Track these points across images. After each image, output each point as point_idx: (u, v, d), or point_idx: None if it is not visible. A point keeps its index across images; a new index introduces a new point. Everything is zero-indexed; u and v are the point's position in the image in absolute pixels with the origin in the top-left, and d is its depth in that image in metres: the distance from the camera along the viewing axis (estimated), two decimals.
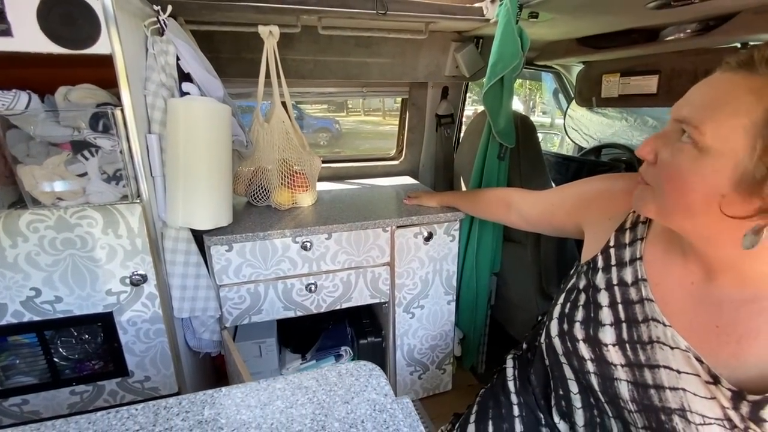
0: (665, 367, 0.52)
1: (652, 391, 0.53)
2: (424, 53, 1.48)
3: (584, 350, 0.60)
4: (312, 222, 1.16)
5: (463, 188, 1.56)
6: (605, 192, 0.68)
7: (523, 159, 1.30)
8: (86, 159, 0.85)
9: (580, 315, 0.62)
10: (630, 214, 0.62)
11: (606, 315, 0.59)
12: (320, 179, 1.50)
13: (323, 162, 1.54)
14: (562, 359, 0.65)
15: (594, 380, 0.60)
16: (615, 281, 0.59)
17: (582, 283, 0.64)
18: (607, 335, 0.57)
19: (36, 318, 0.90)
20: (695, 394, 0.49)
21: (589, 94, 1.75)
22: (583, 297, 0.63)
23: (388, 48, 1.43)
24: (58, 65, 0.82)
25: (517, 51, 1.08)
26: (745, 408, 0.44)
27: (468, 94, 1.86)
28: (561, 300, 0.68)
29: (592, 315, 0.60)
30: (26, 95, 0.79)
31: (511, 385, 0.76)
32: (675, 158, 0.46)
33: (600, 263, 0.62)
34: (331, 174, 1.75)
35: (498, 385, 0.79)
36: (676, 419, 0.50)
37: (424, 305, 1.34)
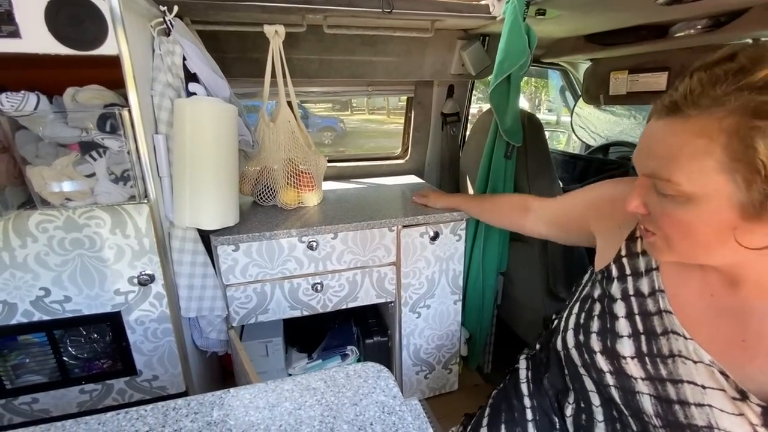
0: (689, 382, 0.50)
1: (677, 407, 0.51)
2: (430, 51, 1.47)
3: (602, 362, 0.58)
4: (318, 222, 1.16)
5: (469, 188, 1.55)
6: (612, 198, 0.66)
7: (531, 158, 1.29)
8: (94, 160, 0.85)
9: (595, 325, 0.60)
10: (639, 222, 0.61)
11: (623, 326, 0.57)
12: (325, 179, 1.50)
13: (328, 161, 1.54)
14: (581, 371, 0.63)
15: (615, 393, 0.58)
16: (631, 291, 0.57)
17: (597, 292, 0.62)
18: (626, 347, 0.55)
19: (45, 317, 0.91)
20: (722, 410, 0.47)
21: (596, 92, 1.73)
22: (598, 307, 0.61)
23: (394, 46, 1.42)
24: (66, 66, 0.83)
25: (524, 48, 1.07)
26: None
27: (473, 92, 1.85)
28: (576, 309, 0.65)
29: (608, 326, 0.58)
30: (35, 96, 0.80)
31: (524, 387, 0.75)
32: (667, 208, 0.45)
33: (614, 272, 0.60)
34: (337, 173, 1.75)
35: (510, 386, 0.78)
36: None
37: (431, 305, 1.34)
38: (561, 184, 1.43)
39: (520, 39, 1.06)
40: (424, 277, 1.29)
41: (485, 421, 0.76)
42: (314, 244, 1.14)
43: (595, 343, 0.59)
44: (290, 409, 0.51)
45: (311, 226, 1.12)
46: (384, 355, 1.43)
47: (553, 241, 0.88)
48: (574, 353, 0.63)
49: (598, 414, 0.62)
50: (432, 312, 1.35)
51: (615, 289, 0.59)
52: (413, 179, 1.75)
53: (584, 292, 0.66)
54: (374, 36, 1.36)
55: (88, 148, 0.85)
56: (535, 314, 1.39)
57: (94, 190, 0.87)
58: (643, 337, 0.55)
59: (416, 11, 1.12)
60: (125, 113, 0.82)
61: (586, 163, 1.81)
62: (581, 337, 0.61)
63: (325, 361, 1.40)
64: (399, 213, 1.24)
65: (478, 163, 1.34)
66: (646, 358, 0.54)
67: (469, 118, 1.90)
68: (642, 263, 0.58)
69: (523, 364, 0.79)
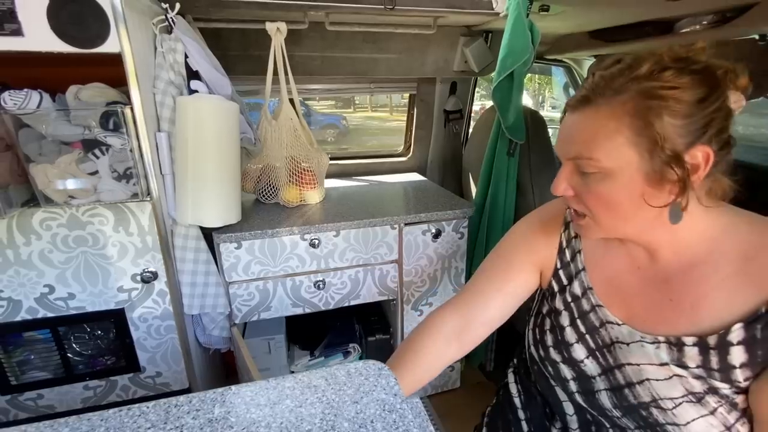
0: (627, 363, 0.55)
1: (627, 391, 0.56)
2: (433, 48, 1.46)
3: (565, 371, 0.62)
4: (320, 219, 1.16)
5: (472, 186, 1.54)
6: (541, 221, 0.70)
7: (534, 155, 1.28)
8: (97, 157, 0.85)
9: (549, 339, 0.65)
10: (562, 234, 0.66)
11: (570, 334, 0.62)
12: (328, 176, 1.50)
13: (331, 159, 1.54)
14: (552, 383, 0.66)
15: (580, 399, 0.62)
16: (570, 299, 0.63)
17: (545, 309, 0.67)
18: (578, 351, 0.61)
19: (50, 314, 0.91)
20: (657, 380, 0.52)
21: None
22: (548, 322, 0.66)
23: (396, 43, 1.42)
24: (69, 64, 0.83)
25: (528, 45, 1.06)
26: (713, 359, 0.48)
27: (476, 90, 1.84)
28: (531, 324, 0.70)
29: (559, 338, 0.63)
30: (38, 94, 0.80)
31: (516, 401, 0.76)
32: (591, 186, 0.51)
33: (555, 287, 0.65)
34: (339, 171, 1.75)
35: (504, 402, 0.78)
36: (654, 411, 0.53)
37: (433, 302, 1.34)
38: None
39: (523, 35, 1.05)
40: (426, 275, 1.29)
41: None
42: (316, 241, 1.14)
43: (555, 355, 0.63)
44: (291, 407, 0.51)
45: (313, 224, 1.12)
46: (386, 352, 1.43)
47: (490, 328, 0.69)
48: (542, 368, 0.67)
49: (573, 423, 0.66)
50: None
51: (558, 302, 0.65)
52: (415, 177, 1.75)
53: (535, 309, 0.70)
54: (376, 33, 1.35)
55: (90, 146, 0.85)
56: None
57: (97, 187, 0.87)
58: (587, 337, 0.60)
59: (419, 7, 1.11)
60: (128, 111, 0.82)
61: None
62: (542, 352, 0.66)
63: (327, 358, 1.40)
64: (401, 211, 1.23)
65: (481, 161, 1.33)
66: (596, 353, 0.59)
67: (472, 115, 1.89)
68: (572, 268, 0.64)
69: (511, 377, 0.80)
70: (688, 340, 0.50)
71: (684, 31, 1.20)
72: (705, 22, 1.14)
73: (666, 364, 0.52)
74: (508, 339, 1.56)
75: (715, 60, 0.48)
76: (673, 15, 1.17)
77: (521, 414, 0.74)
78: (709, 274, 0.50)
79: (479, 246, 1.38)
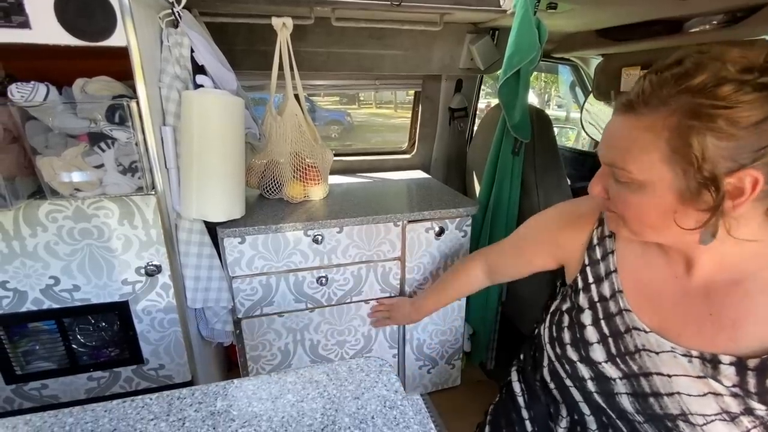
0: (657, 373, 0.53)
1: (652, 400, 0.54)
2: (439, 45, 1.46)
3: (583, 370, 0.61)
4: (323, 215, 1.16)
5: (476, 184, 1.54)
6: (573, 214, 0.69)
7: (539, 154, 1.27)
8: (103, 151, 0.86)
9: (567, 337, 0.64)
10: (594, 231, 0.64)
11: (591, 333, 0.60)
12: (332, 172, 1.50)
13: (335, 155, 1.54)
14: (568, 382, 0.66)
15: (599, 399, 0.61)
16: (596, 298, 0.61)
17: (566, 306, 0.66)
18: (597, 353, 0.59)
19: (55, 306, 0.92)
20: (689, 395, 0.50)
21: (607, 88, 1.70)
22: (566, 319, 0.65)
23: (402, 40, 1.41)
24: (75, 57, 0.83)
25: (535, 43, 1.05)
26: (751, 380, 0.46)
27: (482, 88, 1.83)
28: (547, 323, 0.69)
29: (578, 335, 0.62)
30: (44, 87, 0.80)
31: (520, 400, 0.76)
32: (623, 193, 0.50)
33: (580, 284, 0.64)
34: (343, 167, 1.75)
35: (508, 399, 0.79)
36: (681, 424, 0.51)
37: None
38: (569, 181, 1.41)
39: (530, 33, 1.04)
40: (429, 272, 1.29)
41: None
42: (320, 237, 1.14)
43: (572, 354, 0.62)
44: (293, 401, 0.51)
45: (317, 220, 1.12)
46: None
47: (513, 278, 0.90)
48: (557, 366, 0.66)
49: (591, 423, 0.64)
50: None
51: (582, 299, 0.63)
52: (419, 174, 1.74)
53: (552, 307, 0.70)
54: (382, 29, 1.35)
55: (96, 139, 0.85)
56: (539, 312, 1.38)
57: (103, 180, 0.88)
58: (610, 340, 0.58)
59: (425, 4, 1.10)
60: (133, 105, 0.83)
61: (594, 159, 1.79)
62: (558, 350, 0.65)
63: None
64: (404, 208, 1.23)
65: (485, 159, 1.33)
66: (617, 359, 0.57)
67: (477, 113, 1.88)
68: (602, 269, 0.62)
69: (515, 376, 0.80)
70: (725, 358, 0.48)
71: (693, 30, 1.18)
72: (715, 22, 1.12)
73: (703, 377, 0.49)
74: (509, 338, 1.56)
75: None
76: (682, 14, 1.16)
77: (525, 413, 0.74)
78: (755, 293, 0.48)
79: (482, 245, 1.38)
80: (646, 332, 0.55)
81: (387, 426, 0.48)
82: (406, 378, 1.42)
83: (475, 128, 1.83)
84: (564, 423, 0.68)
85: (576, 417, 0.67)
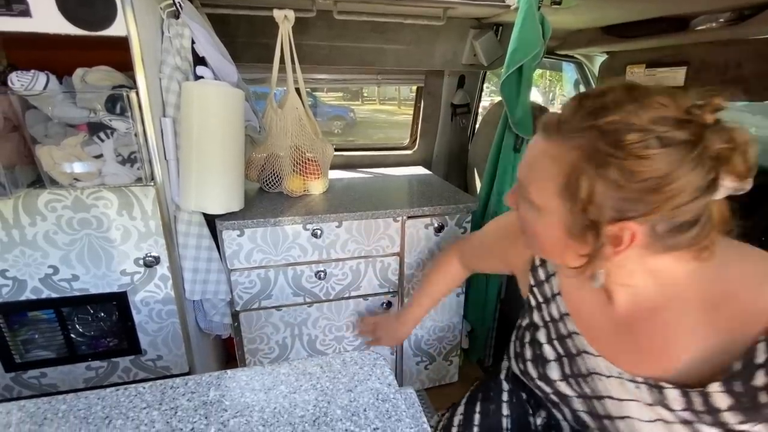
0: (608, 397, 0.53)
1: (607, 422, 0.54)
2: (442, 40, 1.45)
3: (543, 385, 0.61)
4: (323, 210, 1.16)
5: (477, 180, 1.53)
6: (513, 232, 0.67)
7: None
8: (102, 141, 0.86)
9: (528, 353, 0.63)
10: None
11: (549, 351, 0.60)
12: (332, 167, 1.50)
13: (336, 150, 1.53)
14: (537, 392, 0.66)
15: (565, 411, 0.61)
16: (547, 318, 0.61)
17: (525, 322, 0.66)
18: (554, 371, 0.59)
19: (54, 295, 0.93)
20: (641, 420, 0.49)
21: None
22: (527, 335, 0.65)
23: (405, 34, 1.40)
24: (76, 47, 0.83)
25: (538, 39, 1.04)
26: (696, 399, 0.44)
27: (485, 84, 1.82)
28: (513, 337, 0.70)
29: (537, 352, 0.62)
30: (44, 76, 0.80)
31: (503, 375, 0.77)
32: (524, 213, 0.51)
33: (532, 302, 0.64)
34: (344, 162, 1.74)
35: (491, 375, 0.80)
36: None
37: None
38: None
39: (533, 29, 1.03)
40: (428, 268, 1.29)
41: (463, 401, 0.78)
42: (318, 231, 1.14)
43: (532, 370, 0.62)
44: (285, 393, 0.51)
45: (316, 214, 1.12)
46: None
47: (484, 272, 0.92)
48: (522, 379, 0.67)
49: (566, 428, 0.65)
50: None
51: (536, 317, 0.63)
52: (420, 170, 1.74)
53: (518, 321, 0.70)
54: (385, 23, 1.34)
55: (96, 129, 0.85)
56: None
57: (102, 171, 0.88)
58: (565, 360, 0.58)
59: None
60: (133, 95, 0.83)
61: None
62: (521, 366, 0.65)
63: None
64: (404, 203, 1.23)
65: (487, 156, 1.32)
66: (570, 379, 0.57)
67: (480, 110, 1.87)
68: (548, 289, 0.61)
69: (505, 365, 0.81)
70: (666, 384, 0.47)
71: (700, 28, 1.17)
72: (722, 20, 1.11)
73: (651, 405, 0.48)
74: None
75: (723, 126, 0.38)
76: (688, 12, 1.15)
77: (505, 385, 0.75)
78: (673, 322, 0.46)
79: None
80: (595, 356, 0.53)
81: (379, 419, 0.48)
82: (403, 373, 1.43)
83: (478, 125, 1.82)
84: (543, 413, 0.69)
85: (553, 422, 0.68)
